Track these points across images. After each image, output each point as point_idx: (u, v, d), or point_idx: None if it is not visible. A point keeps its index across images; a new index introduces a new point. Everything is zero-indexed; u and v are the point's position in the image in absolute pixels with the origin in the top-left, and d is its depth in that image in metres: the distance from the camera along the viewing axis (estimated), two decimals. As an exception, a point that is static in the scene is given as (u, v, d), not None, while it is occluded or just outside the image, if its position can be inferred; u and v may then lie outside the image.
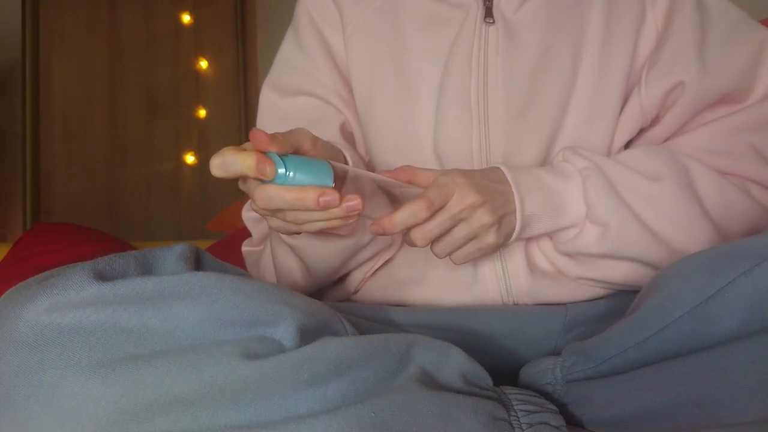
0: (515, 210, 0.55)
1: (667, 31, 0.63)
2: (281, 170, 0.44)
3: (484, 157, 0.63)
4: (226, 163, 0.44)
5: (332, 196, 0.45)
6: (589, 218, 0.57)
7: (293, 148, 0.47)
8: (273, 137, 0.45)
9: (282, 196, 0.45)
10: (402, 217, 0.50)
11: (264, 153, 0.44)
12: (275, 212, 0.48)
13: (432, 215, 0.51)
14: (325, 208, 0.46)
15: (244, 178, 0.47)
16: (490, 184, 0.54)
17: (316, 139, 0.50)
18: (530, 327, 0.60)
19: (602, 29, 0.64)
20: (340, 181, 0.47)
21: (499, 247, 0.55)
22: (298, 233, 0.54)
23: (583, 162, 0.58)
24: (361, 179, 0.50)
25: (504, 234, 0.55)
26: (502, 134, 0.63)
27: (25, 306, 0.35)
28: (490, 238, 0.54)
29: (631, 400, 0.46)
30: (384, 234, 0.51)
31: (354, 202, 0.46)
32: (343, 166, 0.49)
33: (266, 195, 0.45)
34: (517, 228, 0.55)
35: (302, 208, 0.45)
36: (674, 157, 0.58)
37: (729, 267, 0.40)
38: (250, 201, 0.76)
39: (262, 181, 0.46)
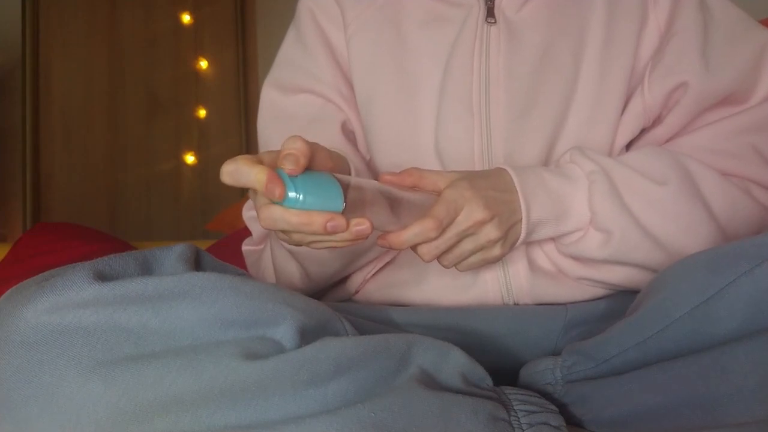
0: (521, 219, 0.55)
1: (670, 32, 0.63)
2: (292, 194, 0.42)
3: (485, 157, 0.63)
4: (239, 173, 0.42)
5: (340, 221, 0.44)
6: (593, 224, 0.57)
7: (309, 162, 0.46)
8: (299, 164, 0.43)
9: (288, 219, 0.43)
10: (410, 235, 0.49)
11: (276, 170, 0.42)
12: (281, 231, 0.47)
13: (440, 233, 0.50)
14: (333, 232, 0.44)
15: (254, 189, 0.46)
16: (497, 195, 0.53)
17: (329, 153, 0.49)
18: (530, 327, 0.60)
19: (604, 30, 0.64)
20: (356, 198, 0.46)
21: (504, 256, 0.56)
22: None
23: (590, 165, 0.57)
24: (364, 189, 0.49)
25: (510, 244, 0.55)
26: (503, 134, 0.63)
27: (25, 306, 0.35)
28: (496, 251, 0.54)
29: (631, 401, 0.46)
30: (390, 249, 0.50)
31: (363, 226, 0.45)
32: (348, 178, 0.48)
33: (271, 217, 0.43)
34: (522, 235, 0.55)
35: (309, 232, 0.44)
36: (679, 159, 0.58)
37: (729, 267, 0.40)
38: (249, 200, 0.77)
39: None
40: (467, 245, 0.52)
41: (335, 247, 0.47)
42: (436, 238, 0.50)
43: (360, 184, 0.48)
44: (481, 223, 0.52)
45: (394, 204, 0.50)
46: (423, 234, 0.49)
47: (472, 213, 0.51)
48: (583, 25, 0.64)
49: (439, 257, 0.53)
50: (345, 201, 0.45)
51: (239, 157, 0.43)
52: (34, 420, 0.33)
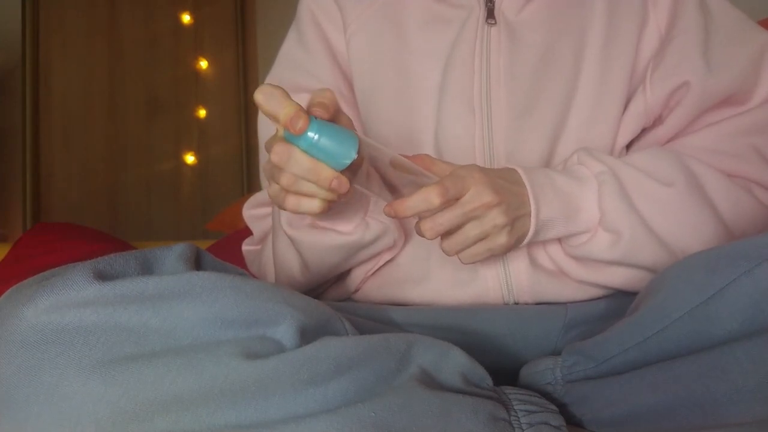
0: (530, 212, 0.54)
1: (671, 33, 0.64)
2: (310, 133, 0.45)
3: (487, 156, 0.63)
4: (273, 97, 0.45)
5: (343, 181, 0.47)
6: (602, 225, 0.57)
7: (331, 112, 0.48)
8: (328, 110, 0.46)
9: (301, 162, 0.46)
10: (415, 201, 0.49)
11: (304, 110, 0.45)
12: (278, 172, 0.49)
13: (445, 205, 0.50)
14: (335, 190, 0.47)
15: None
16: (506, 184, 0.54)
17: (351, 122, 0.52)
18: (530, 327, 0.60)
19: (604, 30, 0.64)
20: (362, 156, 0.48)
21: (510, 248, 0.55)
22: (284, 209, 0.54)
23: (599, 166, 0.57)
24: (380, 152, 0.50)
25: (516, 236, 0.54)
26: (504, 133, 0.63)
27: (25, 306, 0.35)
28: (502, 239, 0.53)
29: (631, 400, 0.46)
30: (396, 217, 0.51)
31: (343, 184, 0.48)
32: (370, 141, 0.49)
33: (287, 151, 0.46)
34: (531, 232, 0.55)
35: (314, 180, 0.47)
36: (683, 160, 0.58)
37: (729, 267, 0.40)
38: (250, 199, 0.77)
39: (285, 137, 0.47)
40: (472, 230, 0.52)
41: (314, 209, 0.50)
42: (439, 212, 0.50)
43: (376, 147, 0.49)
44: (488, 206, 0.51)
45: (402, 178, 0.51)
46: (426, 200, 0.49)
47: (479, 194, 0.51)
48: (584, 25, 0.64)
49: (442, 242, 0.53)
50: (358, 153, 0.47)
51: (280, 87, 0.46)
52: (34, 419, 0.33)
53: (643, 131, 0.67)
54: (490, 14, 0.65)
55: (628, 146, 0.68)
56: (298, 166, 0.47)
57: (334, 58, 0.71)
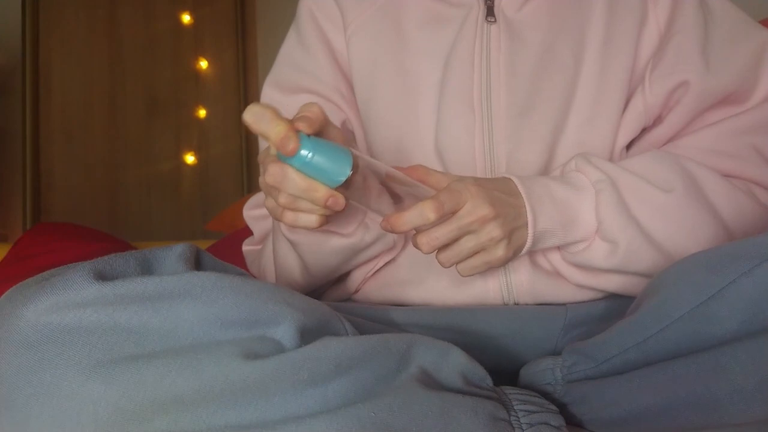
0: (526, 223, 0.54)
1: (670, 31, 0.63)
2: (303, 151, 0.44)
3: (487, 155, 0.63)
4: (262, 117, 0.44)
5: (340, 199, 0.47)
6: (599, 234, 0.56)
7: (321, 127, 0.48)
8: (312, 126, 0.46)
9: (297, 182, 0.46)
10: (410, 216, 0.49)
11: (295, 129, 0.45)
12: (274, 191, 0.48)
13: (440, 219, 0.50)
14: (331, 208, 0.47)
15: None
16: (502, 196, 0.53)
17: (341, 132, 0.51)
18: (530, 327, 0.60)
19: (604, 29, 0.64)
20: (359, 171, 0.47)
21: (509, 260, 0.55)
22: (280, 221, 0.53)
23: (596, 174, 0.57)
24: (374, 167, 0.49)
25: (514, 248, 0.54)
26: (505, 131, 0.63)
27: (25, 306, 0.35)
28: (499, 251, 0.53)
29: (631, 401, 0.46)
30: (392, 231, 0.50)
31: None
32: (361, 154, 0.48)
33: (282, 173, 0.46)
34: (528, 243, 0.55)
35: (309, 198, 0.46)
36: (683, 164, 0.58)
37: (729, 267, 0.40)
38: (250, 199, 0.77)
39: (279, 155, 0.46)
40: (468, 242, 0.52)
41: (309, 223, 0.49)
42: (436, 226, 0.50)
43: (370, 162, 0.49)
44: (484, 220, 0.51)
45: (399, 189, 0.50)
46: (422, 215, 0.49)
47: (475, 208, 0.51)
48: (584, 24, 0.64)
49: (438, 254, 0.53)
50: (352, 170, 0.46)
51: (269, 105, 0.45)
52: (34, 419, 0.33)
53: (643, 131, 0.67)
54: (490, 12, 0.65)
55: (628, 146, 0.68)
56: (293, 186, 0.46)
57: (333, 58, 0.71)
